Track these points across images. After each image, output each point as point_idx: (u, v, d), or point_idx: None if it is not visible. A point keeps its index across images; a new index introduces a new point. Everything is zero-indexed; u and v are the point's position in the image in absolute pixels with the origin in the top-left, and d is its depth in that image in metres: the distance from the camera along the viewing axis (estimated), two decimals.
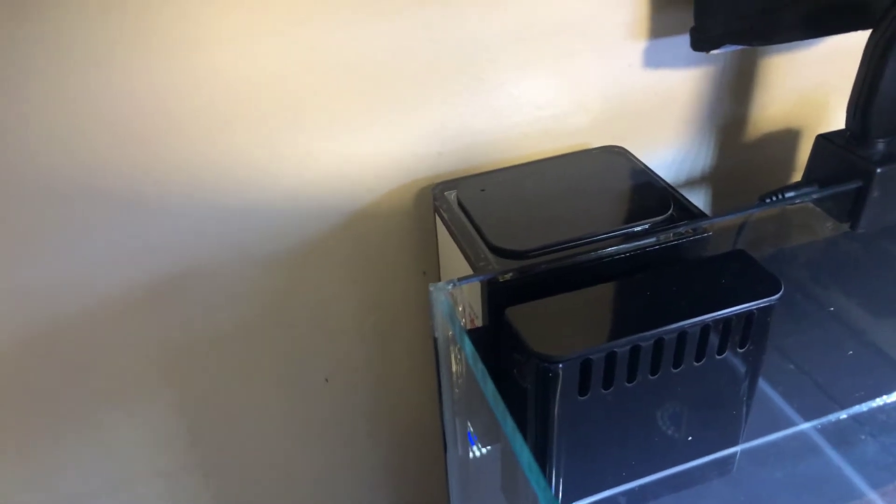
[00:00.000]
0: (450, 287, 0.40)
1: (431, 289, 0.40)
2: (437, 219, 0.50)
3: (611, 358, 0.37)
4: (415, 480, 0.71)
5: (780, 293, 0.39)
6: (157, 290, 0.50)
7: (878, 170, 0.45)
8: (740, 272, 0.41)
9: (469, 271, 0.44)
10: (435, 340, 0.41)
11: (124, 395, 0.55)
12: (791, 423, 0.56)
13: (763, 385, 0.57)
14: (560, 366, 0.36)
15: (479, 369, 0.34)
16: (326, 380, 0.59)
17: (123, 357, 0.53)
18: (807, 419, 0.56)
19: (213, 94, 0.44)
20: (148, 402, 0.56)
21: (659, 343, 0.38)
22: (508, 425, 0.31)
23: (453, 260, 0.48)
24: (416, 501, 0.72)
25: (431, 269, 0.57)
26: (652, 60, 0.54)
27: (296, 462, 0.64)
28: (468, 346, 0.35)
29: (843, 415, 0.55)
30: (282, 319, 0.55)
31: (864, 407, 0.55)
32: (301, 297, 0.55)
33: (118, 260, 0.48)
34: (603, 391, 0.38)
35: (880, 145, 0.47)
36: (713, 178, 0.63)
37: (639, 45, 0.53)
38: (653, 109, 0.57)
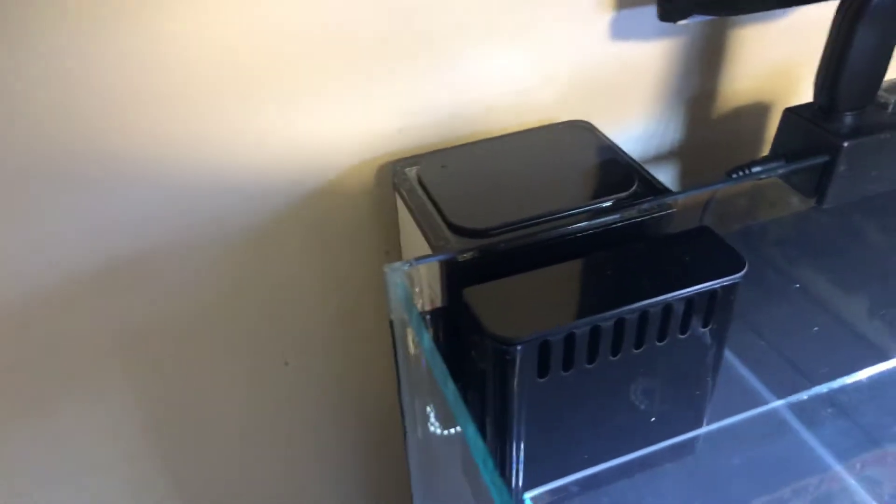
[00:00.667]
0: (405, 268, 0.39)
1: (386, 269, 0.38)
2: (398, 197, 0.48)
3: (570, 339, 0.36)
4: (380, 465, 0.70)
5: (744, 271, 0.38)
6: (108, 273, 0.49)
7: (845, 144, 0.44)
8: (704, 249, 0.40)
9: (429, 251, 0.43)
10: (391, 322, 0.40)
11: (80, 380, 0.53)
12: (759, 400, 0.56)
13: (732, 361, 0.57)
14: (517, 348, 0.35)
15: (432, 353, 0.32)
16: (286, 363, 0.58)
17: (77, 342, 0.51)
18: (775, 395, 0.56)
19: (159, 68, 0.42)
20: (104, 387, 0.54)
21: (620, 323, 0.37)
22: (460, 411, 0.30)
23: (414, 239, 0.47)
24: (382, 486, 0.72)
25: (394, 249, 0.55)
26: (620, 32, 0.53)
27: (257, 448, 0.63)
28: (421, 329, 0.34)
29: (812, 390, 0.55)
30: (239, 302, 0.54)
31: (833, 383, 0.55)
32: (258, 278, 0.53)
33: (69, 242, 0.46)
34: (563, 373, 0.37)
35: (848, 118, 0.46)
36: (683, 153, 0.62)
37: (606, 17, 0.52)
38: (621, 83, 0.56)
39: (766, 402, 0.55)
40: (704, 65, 0.58)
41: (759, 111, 0.63)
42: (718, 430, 0.48)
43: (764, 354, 0.59)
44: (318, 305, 0.56)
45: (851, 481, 0.58)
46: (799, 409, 0.55)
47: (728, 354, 0.56)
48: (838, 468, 0.58)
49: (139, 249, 0.48)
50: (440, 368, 0.32)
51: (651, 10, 0.52)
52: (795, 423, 0.57)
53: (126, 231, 0.47)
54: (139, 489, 0.61)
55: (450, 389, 0.31)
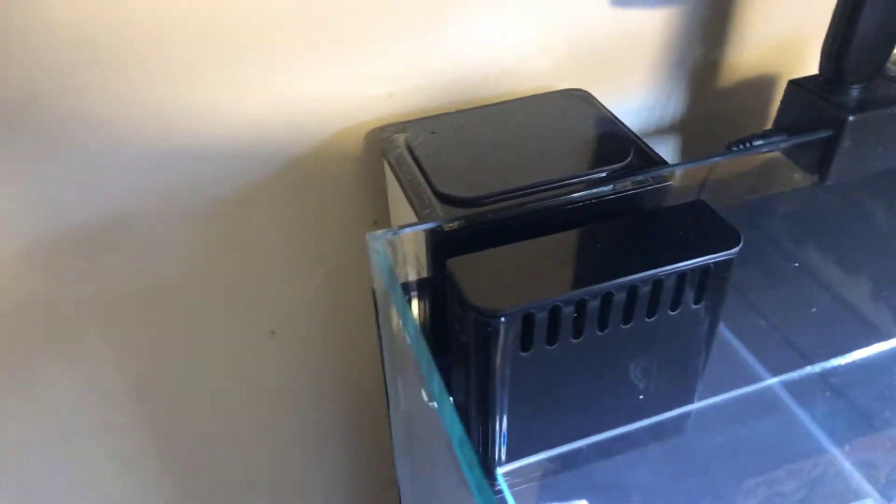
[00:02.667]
0: (388, 236, 0.38)
1: (368, 238, 0.37)
2: (386, 164, 0.47)
3: (555, 313, 0.35)
4: (366, 435, 0.69)
5: (740, 246, 0.37)
6: (88, 239, 0.47)
7: (851, 118, 0.43)
8: (698, 224, 0.38)
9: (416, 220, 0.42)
10: (373, 293, 0.39)
11: (59, 345, 0.52)
12: (755, 377, 0.55)
13: (729, 338, 0.56)
14: (500, 320, 0.34)
15: (410, 326, 0.31)
16: (272, 332, 0.57)
17: (59, 306, 0.50)
18: (771, 373, 0.55)
19: (133, 25, 0.40)
20: (84, 353, 0.53)
21: (607, 298, 0.35)
22: (437, 388, 0.29)
23: (402, 208, 0.45)
24: (366, 455, 0.71)
25: (383, 219, 0.54)
26: None
27: (241, 416, 0.62)
28: (401, 301, 0.33)
29: (807, 370, 0.54)
30: (224, 270, 0.53)
31: (829, 362, 0.54)
32: (244, 246, 0.52)
33: (50, 207, 0.45)
34: (547, 347, 0.36)
35: (854, 91, 0.44)
36: (686, 126, 0.60)
37: None
38: (621, 52, 0.54)
39: (761, 380, 0.54)
40: (708, 34, 0.56)
41: (764, 83, 0.61)
42: (711, 407, 0.47)
43: (762, 332, 0.57)
44: (304, 275, 0.55)
45: (846, 464, 0.57)
46: (795, 389, 0.54)
47: (725, 331, 0.55)
48: (833, 451, 0.57)
49: (119, 214, 0.47)
50: (418, 343, 0.31)
51: None
52: (791, 404, 0.56)
53: (105, 196, 0.46)
54: (120, 456, 0.60)
55: (425, 362, 0.30)
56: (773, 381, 0.54)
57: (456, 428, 0.28)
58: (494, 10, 0.48)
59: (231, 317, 0.55)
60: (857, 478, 0.56)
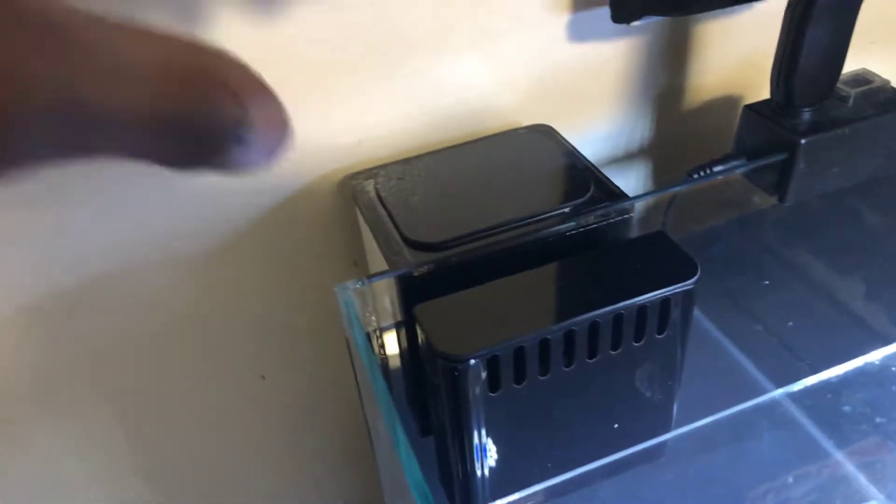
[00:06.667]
0: (356, 286, 0.39)
1: (336, 289, 0.38)
2: (357, 211, 0.48)
3: (519, 352, 0.36)
4: (359, 473, 0.70)
5: (697, 276, 0.38)
6: (76, 293, 0.49)
7: (803, 141, 0.44)
8: (658, 256, 0.40)
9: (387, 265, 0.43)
10: (346, 341, 0.40)
11: (50, 400, 0.53)
12: (757, 385, 0.55)
13: (731, 349, 0.56)
14: (468, 363, 0.35)
15: (374, 376, 0.32)
16: (263, 377, 0.58)
17: (45, 362, 0.51)
18: (772, 380, 0.55)
19: None
20: (76, 407, 0.54)
21: (570, 335, 0.36)
22: (396, 429, 0.30)
23: (375, 252, 0.47)
24: (358, 492, 0.72)
25: (362, 259, 0.55)
26: (577, 34, 0.52)
27: (234, 462, 0.63)
28: (365, 350, 0.34)
29: (811, 377, 0.54)
30: (211, 318, 0.54)
31: (833, 370, 0.54)
32: (228, 295, 0.53)
33: (28, 266, 0.47)
34: (516, 386, 0.37)
35: (806, 115, 0.45)
36: (653, 152, 0.62)
37: (562, 19, 0.51)
38: (583, 85, 0.55)
39: (763, 388, 0.55)
40: (668, 62, 0.57)
41: (728, 105, 0.62)
42: (716, 422, 0.47)
43: (761, 341, 0.58)
44: (290, 319, 0.56)
45: (852, 468, 0.57)
46: (797, 396, 0.55)
47: (725, 342, 0.56)
48: (838, 455, 0.57)
49: (102, 273, 0.48)
50: (381, 391, 0.32)
51: (607, 12, 0.51)
52: (794, 410, 0.56)
53: (85, 257, 0.47)
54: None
55: (385, 409, 0.31)
56: (777, 392, 0.54)
57: (413, 470, 0.29)
58: (456, 54, 0.49)
59: (220, 364, 0.56)
60: (861, 480, 0.56)
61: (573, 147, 0.49)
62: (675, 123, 0.61)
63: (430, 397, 0.39)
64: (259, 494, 0.66)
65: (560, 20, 0.51)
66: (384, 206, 0.45)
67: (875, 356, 0.50)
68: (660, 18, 0.50)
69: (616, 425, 0.43)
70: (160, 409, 0.57)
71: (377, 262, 0.48)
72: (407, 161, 0.50)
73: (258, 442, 0.62)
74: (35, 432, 0.54)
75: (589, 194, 0.44)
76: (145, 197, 0.46)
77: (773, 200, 0.47)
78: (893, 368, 0.51)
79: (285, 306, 0.56)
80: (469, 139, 0.52)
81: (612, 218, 0.42)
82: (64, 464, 0.57)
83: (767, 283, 0.56)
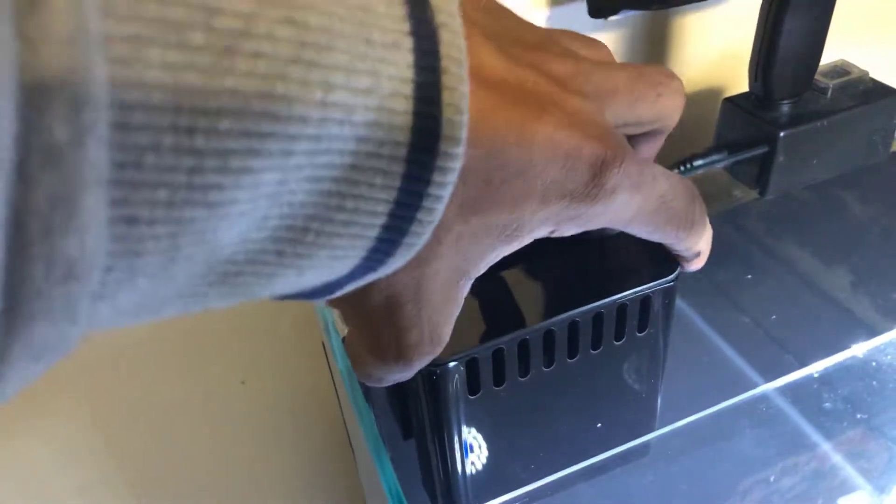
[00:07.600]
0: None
1: None
2: None
3: (498, 354, 0.35)
4: (343, 481, 0.70)
5: (677, 272, 0.37)
6: None
7: (782, 133, 0.44)
8: (638, 252, 0.39)
9: None
10: (323, 346, 0.39)
11: (35, 409, 0.52)
12: (743, 377, 0.55)
13: (717, 342, 0.56)
14: (445, 367, 0.34)
15: (348, 379, 0.32)
16: (243, 382, 0.57)
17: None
18: (759, 372, 0.55)
19: None
20: (61, 416, 0.53)
21: (549, 335, 0.36)
22: (371, 439, 0.29)
23: None
24: (341, 497, 0.71)
25: None
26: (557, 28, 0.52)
27: (216, 468, 0.62)
28: (339, 357, 0.33)
29: (799, 369, 0.54)
30: (191, 324, 0.53)
31: (820, 362, 0.54)
32: None
33: None
34: (495, 388, 0.36)
35: (785, 107, 0.45)
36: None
37: (539, 14, 0.51)
38: None
39: (749, 380, 0.54)
40: (648, 56, 0.57)
41: (709, 99, 0.62)
42: (702, 417, 0.47)
43: (747, 333, 0.58)
44: (271, 324, 0.56)
45: (839, 458, 0.57)
46: (783, 388, 0.55)
47: (713, 336, 0.56)
48: (826, 446, 0.57)
49: None
50: (359, 398, 0.31)
51: (584, 6, 0.50)
52: (780, 402, 0.56)
53: None
54: None
55: (358, 405, 0.30)
56: (767, 386, 0.54)
57: (388, 475, 0.28)
58: None
59: (201, 369, 0.56)
60: (849, 470, 0.56)
61: None
62: None
63: (409, 401, 0.38)
64: (240, 499, 0.66)
65: (537, 15, 0.50)
66: None
67: (860, 349, 0.50)
68: (638, 12, 0.49)
69: (599, 425, 0.42)
70: (141, 416, 0.56)
71: None
72: None
73: (239, 447, 0.62)
74: (15, 439, 0.53)
75: None
76: None
77: (754, 194, 0.47)
78: (876, 361, 0.51)
79: (266, 311, 0.55)
80: None
81: None
82: (45, 471, 0.56)
83: (750, 276, 0.56)
